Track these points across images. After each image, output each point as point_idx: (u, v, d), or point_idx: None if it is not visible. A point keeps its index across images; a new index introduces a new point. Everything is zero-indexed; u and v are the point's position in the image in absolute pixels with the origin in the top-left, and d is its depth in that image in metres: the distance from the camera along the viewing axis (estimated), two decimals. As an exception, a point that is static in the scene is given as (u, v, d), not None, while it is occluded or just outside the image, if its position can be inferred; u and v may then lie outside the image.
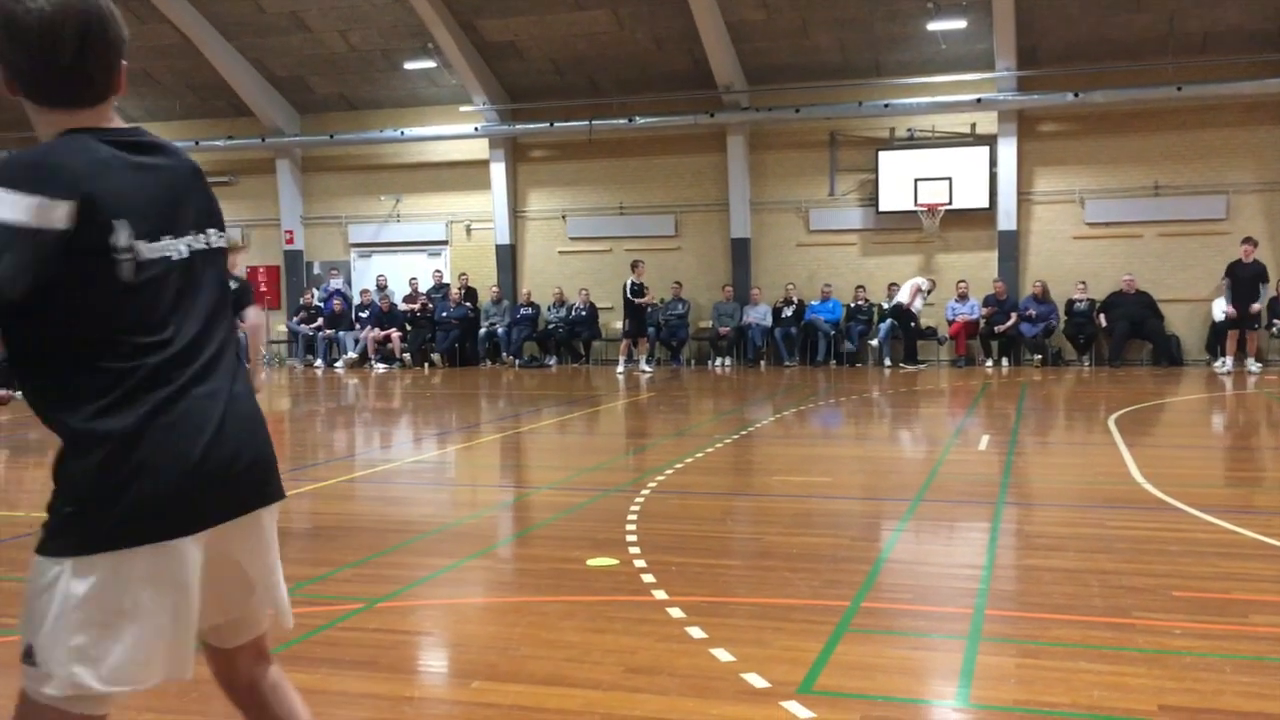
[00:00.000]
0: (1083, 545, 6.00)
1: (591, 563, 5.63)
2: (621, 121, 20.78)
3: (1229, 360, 17.04)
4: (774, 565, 5.65)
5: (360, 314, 22.10)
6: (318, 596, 5.14)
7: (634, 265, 19.05)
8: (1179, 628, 4.47)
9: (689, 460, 9.11)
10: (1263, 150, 18.58)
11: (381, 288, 22.38)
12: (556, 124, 21.15)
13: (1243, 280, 16.93)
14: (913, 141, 20.00)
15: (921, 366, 18.78)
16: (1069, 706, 3.68)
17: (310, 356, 22.20)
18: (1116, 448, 9.53)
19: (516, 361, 20.75)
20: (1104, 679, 3.91)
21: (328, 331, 22.11)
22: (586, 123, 20.86)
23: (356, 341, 21.78)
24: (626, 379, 17.99)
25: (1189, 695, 3.76)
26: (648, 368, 19.18)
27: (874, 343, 19.59)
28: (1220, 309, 17.83)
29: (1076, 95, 18.64)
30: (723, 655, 4.18)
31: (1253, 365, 17.00)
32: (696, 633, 4.45)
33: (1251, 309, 17.03)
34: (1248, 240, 17.18)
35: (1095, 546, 5.96)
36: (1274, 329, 17.61)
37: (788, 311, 20.10)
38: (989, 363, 19.03)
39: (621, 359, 19.37)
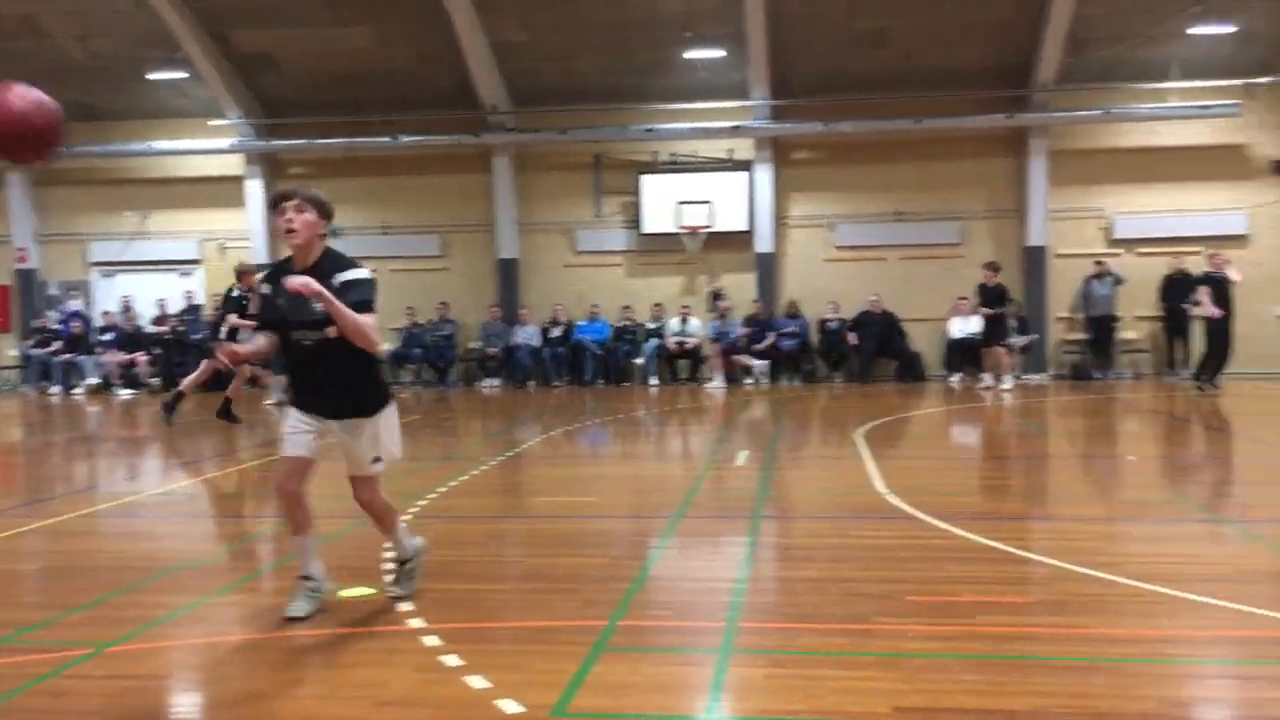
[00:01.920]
0: (828, 555, 6.28)
1: (344, 594, 5.45)
2: (384, 139, 20.41)
3: (988, 377, 17.93)
4: (536, 588, 5.64)
5: (102, 337, 20.76)
6: (41, 644, 4.76)
7: None
8: (913, 631, 4.72)
9: (454, 484, 9.00)
10: (992, 180, 20.05)
11: (126, 309, 21.11)
12: (315, 140, 20.56)
13: (988, 303, 17.91)
14: (674, 165, 20.54)
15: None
16: (808, 712, 3.83)
17: (46, 382, 20.67)
18: (862, 460, 10.03)
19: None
20: (842, 684, 4.09)
21: (65, 356, 20.66)
22: (347, 140, 20.37)
23: (98, 366, 20.44)
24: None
25: (921, 696, 3.98)
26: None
27: (639, 362, 19.94)
28: (959, 328, 19.11)
29: (826, 125, 19.61)
30: (478, 682, 4.13)
31: (1006, 380, 18.13)
32: (452, 661, 4.39)
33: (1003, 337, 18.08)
34: (990, 265, 18.23)
35: (839, 556, 6.24)
36: (1009, 347, 18.92)
37: (556, 332, 20.21)
38: (749, 380, 19.69)
39: None
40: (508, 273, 20.91)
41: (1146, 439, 12.26)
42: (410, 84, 20.28)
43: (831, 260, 20.50)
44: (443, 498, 8.35)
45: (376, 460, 5.08)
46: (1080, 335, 19.72)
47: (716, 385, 18.91)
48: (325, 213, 4.99)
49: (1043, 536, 7.02)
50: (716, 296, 19.16)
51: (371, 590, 5.51)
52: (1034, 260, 19.65)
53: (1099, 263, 19.21)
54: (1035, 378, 19.17)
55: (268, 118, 21.07)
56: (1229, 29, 18.22)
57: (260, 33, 19.37)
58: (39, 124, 3.66)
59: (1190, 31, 18.17)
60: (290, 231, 4.87)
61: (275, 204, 4.93)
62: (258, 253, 21.19)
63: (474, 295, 21.08)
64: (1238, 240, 18.94)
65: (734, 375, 19.93)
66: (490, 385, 20.09)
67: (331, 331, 4.80)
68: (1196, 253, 18.95)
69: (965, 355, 19.13)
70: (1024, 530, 7.14)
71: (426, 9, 18.56)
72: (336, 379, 4.96)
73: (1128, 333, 19.61)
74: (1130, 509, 8.03)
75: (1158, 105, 19.14)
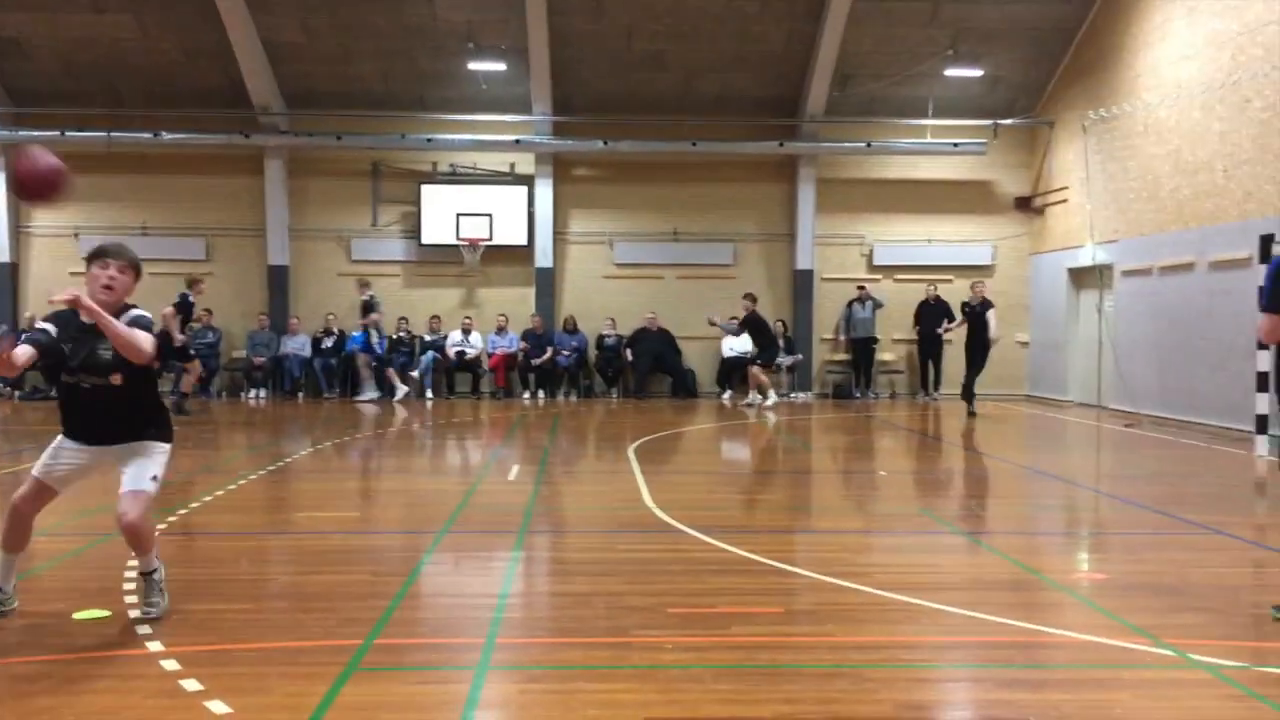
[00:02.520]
0: (593, 570, 6.32)
1: (79, 616, 5.10)
2: (145, 135, 19.31)
3: (754, 394, 18.44)
4: (287, 607, 5.43)
5: None
6: None
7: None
8: (670, 642, 4.80)
9: (209, 499, 8.58)
10: (765, 205, 20.78)
11: None
12: (68, 133, 19.24)
13: (754, 328, 18.49)
14: (455, 177, 20.33)
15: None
16: (564, 727, 3.83)
17: None
18: (634, 475, 10.17)
19: (16, 394, 18.56)
20: (598, 697, 4.11)
21: None
22: (104, 133, 19.18)
23: None
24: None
25: (674, 706, 4.05)
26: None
27: (415, 374, 19.60)
28: (731, 347, 19.70)
29: (606, 144, 19.85)
30: (218, 708, 3.93)
31: (769, 398, 18.70)
32: (192, 685, 4.16)
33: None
34: (748, 296, 18.82)
35: (604, 570, 6.29)
36: (778, 366, 19.61)
37: (328, 342, 19.61)
38: (527, 395, 19.66)
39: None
40: (278, 280, 20.15)
41: (898, 455, 12.93)
42: (176, 79, 19.30)
43: (610, 277, 20.74)
44: (196, 513, 7.95)
45: (154, 478, 5.07)
46: (842, 356, 20.66)
47: (369, 398, 18.77)
48: (138, 278, 5.14)
49: (799, 549, 7.29)
50: (368, 308, 18.88)
51: (107, 613, 5.17)
52: (802, 283, 20.47)
53: (860, 287, 20.19)
54: (801, 396, 19.94)
55: (14, 106, 19.61)
56: (978, 72, 19.54)
57: (8, 15, 18.02)
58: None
59: (945, 73, 19.38)
60: (108, 288, 4.93)
61: (98, 256, 5.00)
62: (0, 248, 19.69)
63: (241, 302, 20.21)
64: (984, 270, 20.28)
65: (510, 389, 19.87)
66: (256, 396, 19.29)
67: (115, 379, 4.96)
68: (949, 280, 20.21)
69: (737, 373, 19.72)
70: (782, 543, 7.39)
71: (194, 1, 17.73)
72: (118, 417, 5.06)
73: (885, 354, 20.67)
74: (880, 522, 8.45)
75: (915, 140, 20.30)
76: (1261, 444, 11.80)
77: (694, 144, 19.84)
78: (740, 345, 19.69)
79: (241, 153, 19.95)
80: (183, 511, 7.91)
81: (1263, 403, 11.83)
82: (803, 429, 15.39)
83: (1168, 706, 4.13)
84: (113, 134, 19.19)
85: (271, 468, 10.67)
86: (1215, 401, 14.49)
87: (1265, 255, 11.77)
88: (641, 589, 5.80)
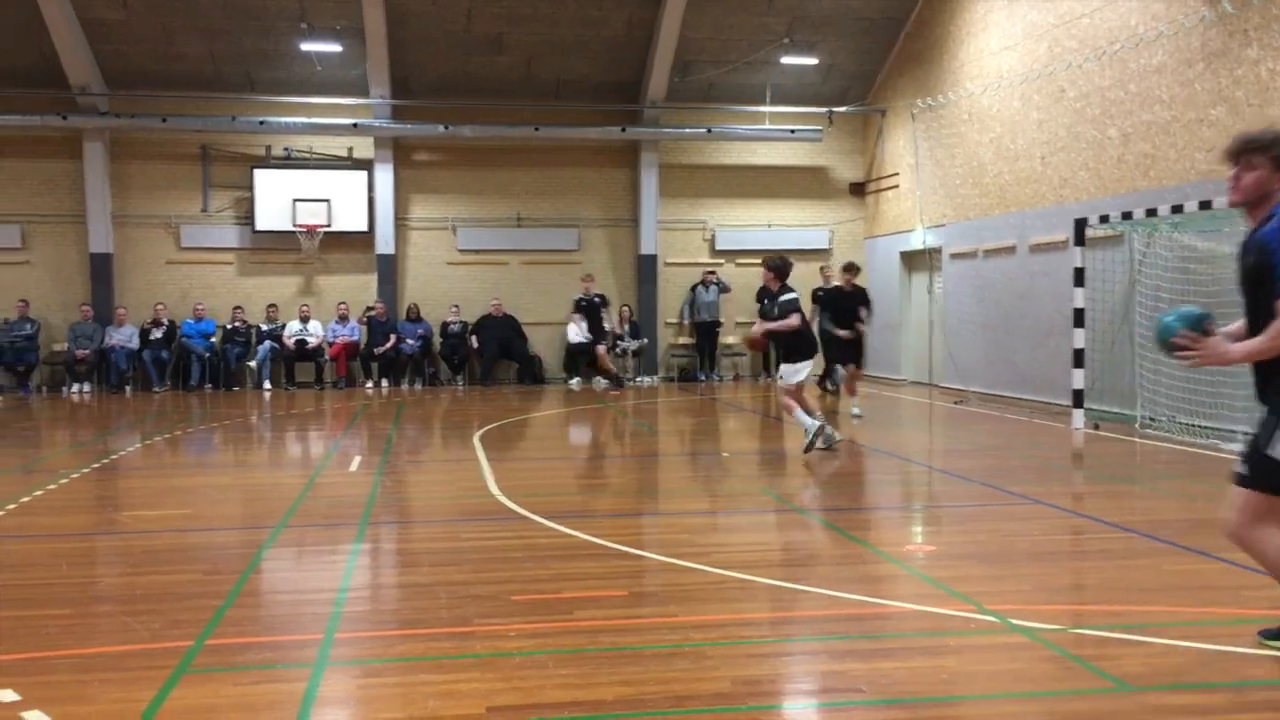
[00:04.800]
0: (437, 559, 6.25)
1: (-121, 630, 4.79)
2: (-49, 116, 18.14)
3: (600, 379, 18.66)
4: (110, 611, 5.20)
5: None
6: None
7: None
8: (514, 630, 4.79)
9: (26, 500, 8.14)
10: (607, 190, 20.83)
11: None
12: None
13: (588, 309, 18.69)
14: (290, 161, 19.73)
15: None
16: (404, 720, 3.78)
17: None
18: (479, 463, 10.09)
19: None
20: (440, 688, 4.07)
21: None
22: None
23: None
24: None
25: (515, 694, 4.04)
26: None
27: (253, 364, 19.00)
28: (574, 334, 19.73)
29: (446, 128, 19.56)
30: (36, 718, 3.74)
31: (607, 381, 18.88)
32: (7, 695, 3.95)
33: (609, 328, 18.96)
34: (587, 277, 19.02)
35: (448, 560, 6.23)
36: (618, 349, 19.76)
37: (157, 333, 18.81)
38: (370, 384, 19.28)
39: None
40: (101, 269, 19.21)
41: (742, 436, 13.18)
42: (-16, 56, 18.19)
43: (454, 263, 20.49)
44: (11, 515, 7.53)
45: None
46: (687, 340, 20.92)
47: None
48: None
49: (644, 531, 7.36)
50: None
51: (-89, 624, 4.86)
52: (646, 268, 20.62)
53: (710, 271, 20.43)
54: (646, 380, 20.11)
55: None
56: (813, 61, 20.00)
57: None
58: None
59: (782, 60, 19.76)
60: None
61: None
62: None
63: (61, 292, 19.21)
64: (822, 254, 20.81)
65: (352, 378, 19.45)
66: (80, 390, 18.38)
67: None
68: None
69: (583, 358, 19.78)
70: (628, 526, 7.45)
71: (3, -27, 16.76)
72: None
73: (729, 338, 21.02)
74: (723, 502, 8.60)
75: (753, 127, 20.65)
76: (1078, 417, 12.46)
77: (536, 129, 19.74)
78: (585, 331, 19.75)
79: (57, 135, 18.94)
80: (1, 513, 7.49)
81: (1078, 378, 12.50)
82: (648, 413, 15.53)
83: (991, 670, 4.33)
84: (-88, 114, 17.98)
85: (96, 465, 10.19)
86: (1036, 378, 15.24)
87: (1080, 238, 12.45)
88: (486, 577, 5.77)
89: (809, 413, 10.50)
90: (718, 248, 21.12)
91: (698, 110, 20.46)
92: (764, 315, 10.86)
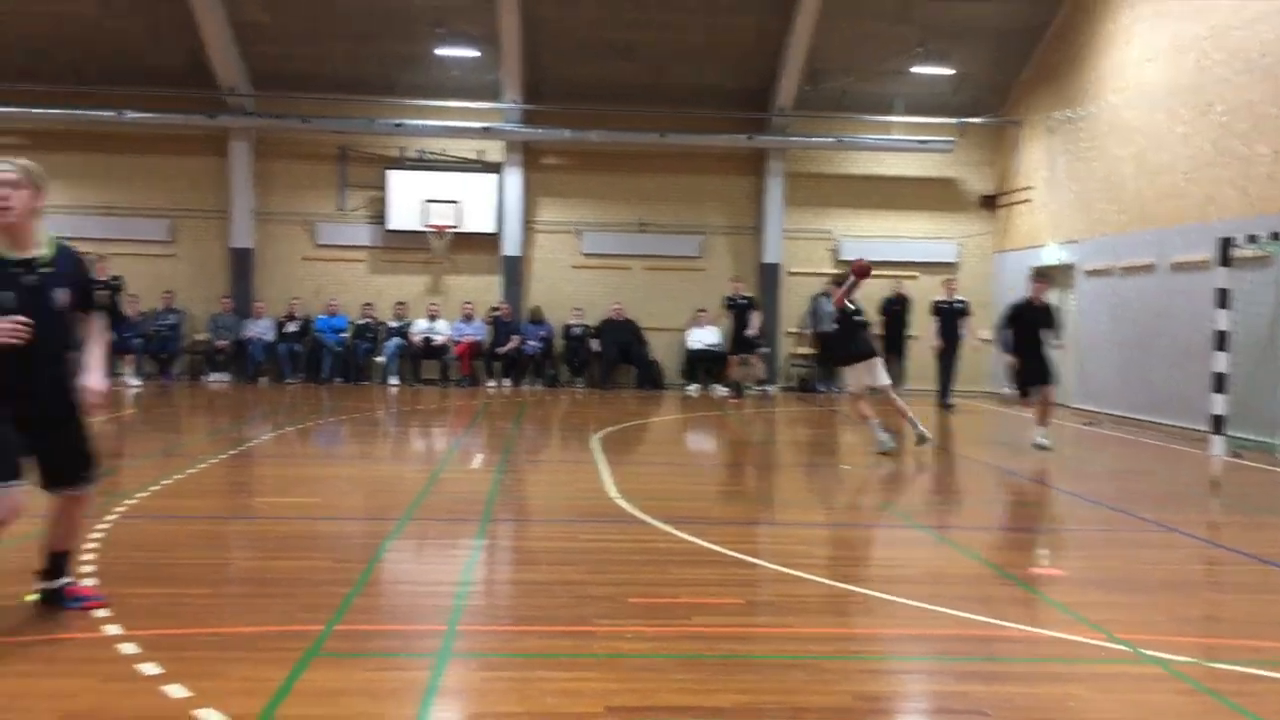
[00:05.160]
0: (555, 558, 6.33)
1: (32, 598, 5.05)
2: (108, 114, 19.04)
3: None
4: (247, 592, 5.40)
5: None
6: None
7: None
8: (631, 631, 4.82)
9: (169, 482, 8.50)
10: (731, 197, 20.82)
11: None
12: (31, 109, 18.96)
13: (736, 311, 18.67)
14: (423, 163, 20.21)
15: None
16: (524, 715, 3.84)
17: None
18: (596, 465, 10.18)
19: None
20: (559, 685, 4.12)
21: None
22: (65, 111, 18.91)
23: None
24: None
25: (633, 695, 4.07)
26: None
27: (381, 360, 19.50)
28: (697, 339, 19.76)
29: (575, 132, 19.80)
30: (177, 691, 3.91)
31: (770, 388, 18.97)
32: (150, 669, 4.13)
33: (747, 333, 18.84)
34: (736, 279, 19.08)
35: (566, 559, 6.30)
36: (759, 349, 19.62)
37: (292, 327, 19.46)
38: (492, 383, 19.61)
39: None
40: (241, 263, 19.96)
41: (862, 450, 13.01)
42: (140, 57, 19.03)
43: (577, 267, 20.71)
44: (155, 496, 7.87)
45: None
46: (808, 350, 20.75)
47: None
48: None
49: (761, 540, 7.33)
50: None
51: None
52: (768, 276, 20.53)
53: (836, 282, 20.20)
54: (769, 389, 19.97)
55: (-25, 81, 19.30)
56: (947, 71, 19.66)
57: (-32, -12, 17.74)
58: None
59: (913, 70, 19.48)
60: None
61: None
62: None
63: (203, 285, 20.01)
64: (949, 268, 20.43)
65: (476, 377, 19.80)
66: (218, 380, 19.12)
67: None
68: (914, 276, 20.34)
69: (702, 365, 19.79)
70: (744, 534, 7.43)
71: (160, -21, 17.55)
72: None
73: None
74: (842, 515, 8.51)
75: (882, 137, 20.40)
76: (1217, 444, 11.97)
77: (663, 135, 19.84)
78: (708, 337, 19.78)
79: (206, 133, 19.74)
80: (142, 495, 7.84)
81: (1218, 403, 12.01)
82: (767, 422, 15.46)
83: (1120, 700, 4.20)
84: (74, 112, 18.93)
85: (232, 452, 10.59)
86: (1173, 401, 14.69)
87: (1225, 258, 11.95)
88: (603, 578, 5.82)
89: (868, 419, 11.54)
90: (841, 258, 20.87)
91: (826, 119, 20.29)
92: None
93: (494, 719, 3.80)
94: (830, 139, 20.23)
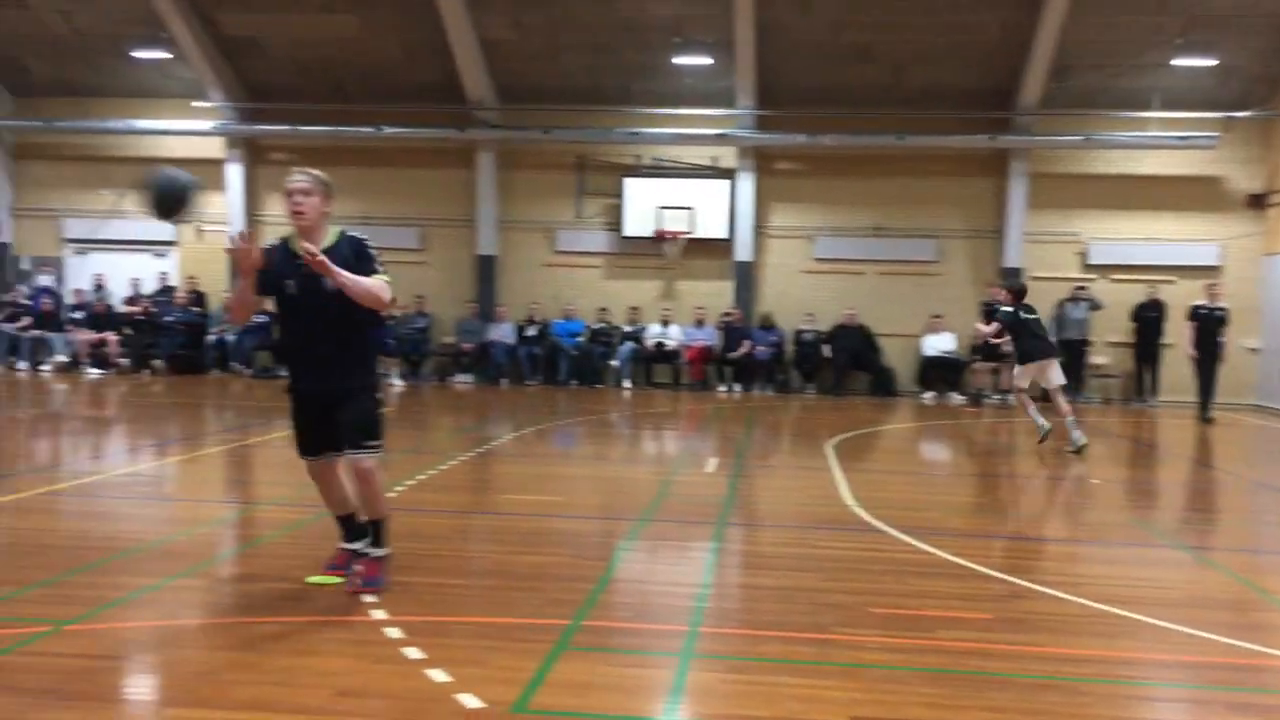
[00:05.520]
0: (794, 565, 6.31)
1: (311, 580, 5.45)
2: (368, 130, 20.32)
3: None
4: (499, 584, 5.64)
5: (73, 315, 20.57)
6: (-1, 619, 4.73)
7: None
8: (874, 642, 4.76)
9: (422, 477, 8.98)
10: (970, 200, 20.19)
11: (98, 287, 20.94)
12: (299, 127, 20.46)
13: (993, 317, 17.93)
14: (657, 170, 20.55)
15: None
16: (768, 719, 3.85)
17: (13, 358, 20.45)
18: (831, 472, 10.08)
19: (248, 371, 19.85)
20: (802, 692, 4.12)
21: (34, 332, 20.46)
22: (331, 128, 20.29)
23: (67, 344, 20.26)
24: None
25: (878, 706, 4.01)
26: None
27: (615, 364, 19.95)
28: (933, 345, 19.27)
29: (809, 137, 19.68)
30: (439, 676, 4.13)
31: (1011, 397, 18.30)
32: (414, 653, 4.39)
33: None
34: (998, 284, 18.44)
35: (805, 566, 6.27)
36: (976, 365, 19.05)
37: (531, 330, 20.19)
38: (723, 388, 19.73)
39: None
40: (486, 269, 20.86)
41: (1112, 463, 12.36)
42: (396, 75, 20.21)
43: (809, 272, 20.57)
44: (411, 491, 8.33)
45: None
46: (1051, 358, 19.85)
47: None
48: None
49: (1006, 555, 7.08)
50: None
51: (338, 579, 5.50)
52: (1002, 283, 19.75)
53: (1080, 287, 19.31)
54: (1008, 398, 19.23)
55: (251, 101, 20.94)
56: (1211, 62, 18.42)
57: (247, 16, 19.26)
58: None
59: (1173, 63, 18.35)
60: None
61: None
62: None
63: (451, 290, 21.02)
64: (1210, 271, 19.13)
65: (707, 381, 19.96)
66: (463, 381, 20.04)
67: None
68: (1171, 281, 19.19)
69: (938, 372, 19.29)
70: (988, 548, 7.19)
71: (415, 1, 18.52)
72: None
73: (1098, 358, 19.78)
74: (1093, 531, 8.10)
75: (1138, 134, 19.30)
76: None
77: (900, 137, 19.46)
78: (943, 344, 19.25)
79: (455, 146, 20.73)
80: (400, 489, 8.31)
81: None
82: (1005, 432, 14.90)
83: None
84: (338, 128, 20.27)
85: (478, 451, 11.07)
86: None
87: None
88: (843, 586, 5.76)
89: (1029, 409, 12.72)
90: (1090, 262, 19.92)
91: (1075, 117, 19.39)
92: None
93: (739, 721, 3.84)
94: (1078, 137, 19.32)
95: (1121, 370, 19.94)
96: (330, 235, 5.34)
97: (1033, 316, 12.65)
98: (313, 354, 5.24)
